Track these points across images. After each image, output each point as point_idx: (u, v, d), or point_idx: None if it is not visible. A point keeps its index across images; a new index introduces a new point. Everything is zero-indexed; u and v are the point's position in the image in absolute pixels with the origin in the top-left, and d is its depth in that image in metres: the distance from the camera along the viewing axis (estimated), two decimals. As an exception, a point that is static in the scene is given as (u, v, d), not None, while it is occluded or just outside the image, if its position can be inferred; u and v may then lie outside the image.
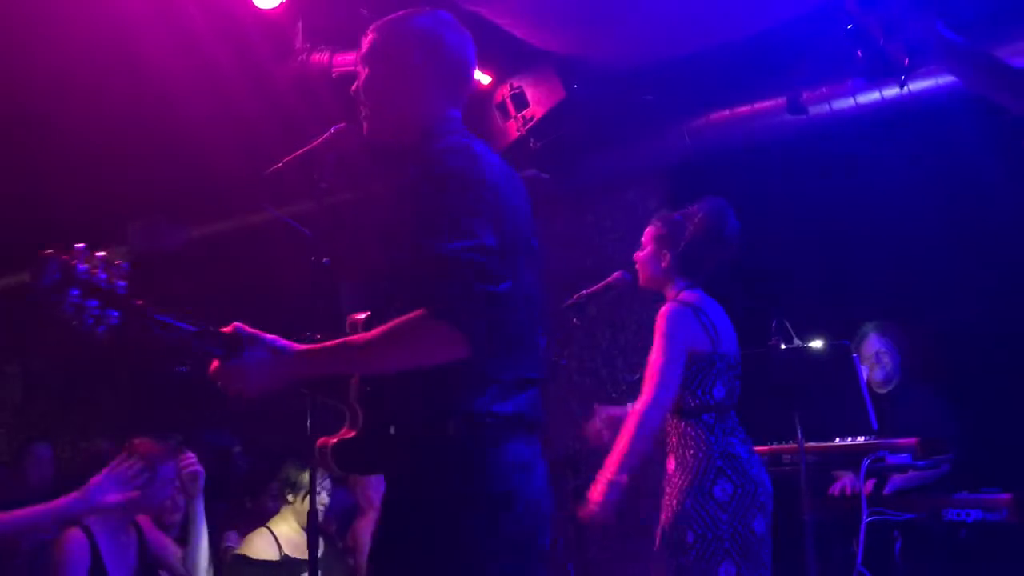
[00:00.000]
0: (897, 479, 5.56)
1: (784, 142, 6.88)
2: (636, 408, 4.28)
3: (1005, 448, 5.70)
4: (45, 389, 10.17)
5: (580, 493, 4.69)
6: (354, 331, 2.76)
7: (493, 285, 2.46)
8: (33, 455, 6.53)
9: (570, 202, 8.01)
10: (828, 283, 6.71)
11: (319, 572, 5.60)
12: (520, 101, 6.69)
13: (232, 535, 6.65)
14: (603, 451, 4.41)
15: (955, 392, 6.02)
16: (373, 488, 6.31)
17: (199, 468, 5.10)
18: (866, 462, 5.08)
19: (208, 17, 5.91)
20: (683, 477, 4.27)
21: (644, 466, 4.50)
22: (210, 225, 8.57)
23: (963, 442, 5.62)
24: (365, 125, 2.96)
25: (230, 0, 5.85)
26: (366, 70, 2.94)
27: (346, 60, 6.08)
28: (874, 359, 6.07)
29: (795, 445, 4.96)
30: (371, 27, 2.99)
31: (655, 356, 4.34)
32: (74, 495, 4.47)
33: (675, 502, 4.27)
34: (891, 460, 5.15)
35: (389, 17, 2.97)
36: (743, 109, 6.98)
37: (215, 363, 2.63)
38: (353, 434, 2.70)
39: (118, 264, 2.47)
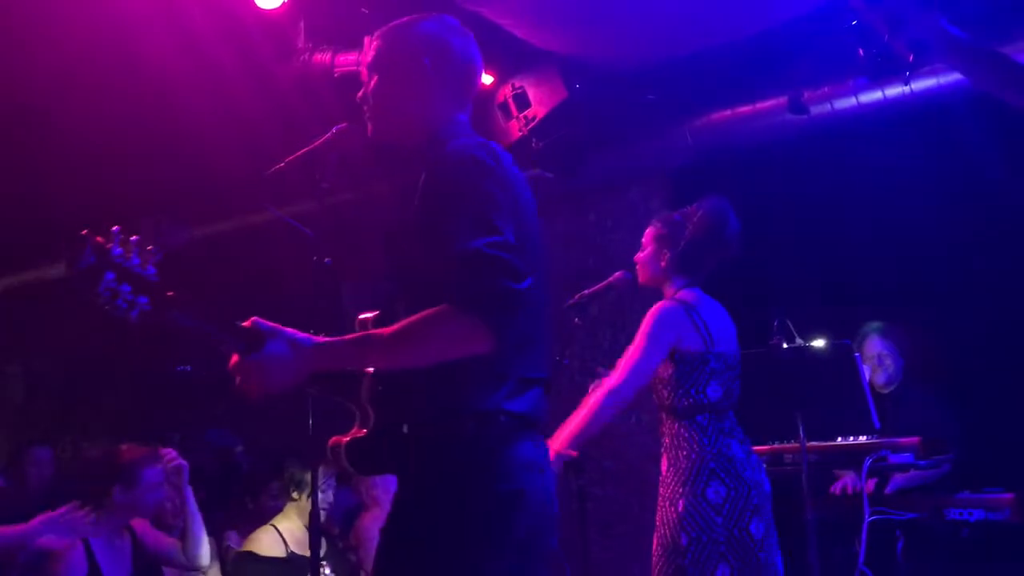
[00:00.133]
0: (899, 478, 5.56)
1: (786, 142, 6.88)
2: (598, 392, 4.28)
3: (1008, 447, 5.70)
4: (47, 389, 10.17)
5: (584, 493, 4.69)
6: (363, 330, 2.75)
7: (517, 282, 2.48)
8: (32, 457, 6.54)
9: (572, 202, 8.01)
10: (830, 282, 6.70)
11: (328, 570, 5.63)
12: (522, 101, 6.69)
13: (232, 535, 6.65)
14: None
15: (958, 391, 6.02)
16: (378, 486, 6.32)
17: (181, 461, 5.12)
18: (868, 461, 5.07)
19: (209, 17, 5.92)
20: (676, 479, 4.26)
21: (646, 466, 4.50)
22: (212, 225, 8.57)
23: (965, 442, 5.62)
24: (370, 127, 2.97)
25: (231, 0, 5.86)
26: (373, 76, 2.95)
27: (348, 60, 6.08)
28: (876, 361, 6.06)
29: (797, 444, 4.96)
30: (376, 34, 2.99)
31: (632, 348, 4.35)
32: (15, 529, 4.54)
33: (668, 504, 4.26)
34: (893, 459, 5.15)
35: (394, 23, 2.98)
36: (745, 109, 6.98)
37: (234, 358, 2.60)
38: (364, 433, 2.70)
39: (150, 249, 2.47)
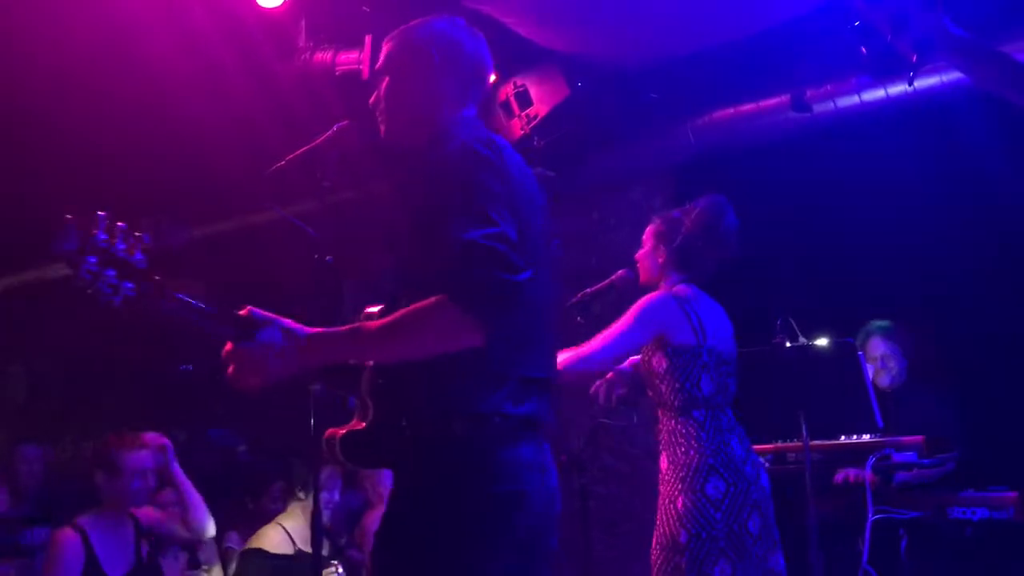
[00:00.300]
0: (902, 477, 5.55)
1: (789, 140, 6.87)
2: (568, 354, 4.28)
3: (1011, 446, 5.69)
4: (48, 389, 10.17)
5: (586, 491, 4.69)
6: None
7: (512, 274, 2.45)
8: (22, 456, 6.57)
9: (574, 200, 8.00)
10: (833, 281, 6.69)
11: (341, 568, 5.63)
12: (524, 99, 6.68)
13: (233, 535, 6.66)
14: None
15: (961, 389, 6.00)
16: (385, 484, 6.31)
17: (163, 440, 5.15)
18: (872, 460, 5.06)
19: (211, 16, 5.91)
20: (675, 475, 4.25)
21: (648, 464, 4.50)
22: (213, 224, 8.57)
23: (969, 440, 5.61)
24: (383, 129, 2.97)
25: (233, -1, 5.86)
26: (384, 78, 2.96)
27: (349, 59, 6.08)
28: (880, 364, 6.04)
29: (800, 443, 4.95)
30: (387, 37, 3.00)
31: (615, 324, 4.35)
32: None
33: (668, 501, 4.25)
34: (897, 458, 5.14)
35: (404, 26, 2.99)
36: (748, 107, 6.98)
37: (228, 345, 2.61)
38: (362, 426, 2.69)
39: (139, 236, 2.47)
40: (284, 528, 5.82)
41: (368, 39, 5.94)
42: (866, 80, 6.37)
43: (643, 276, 4.67)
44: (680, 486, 4.20)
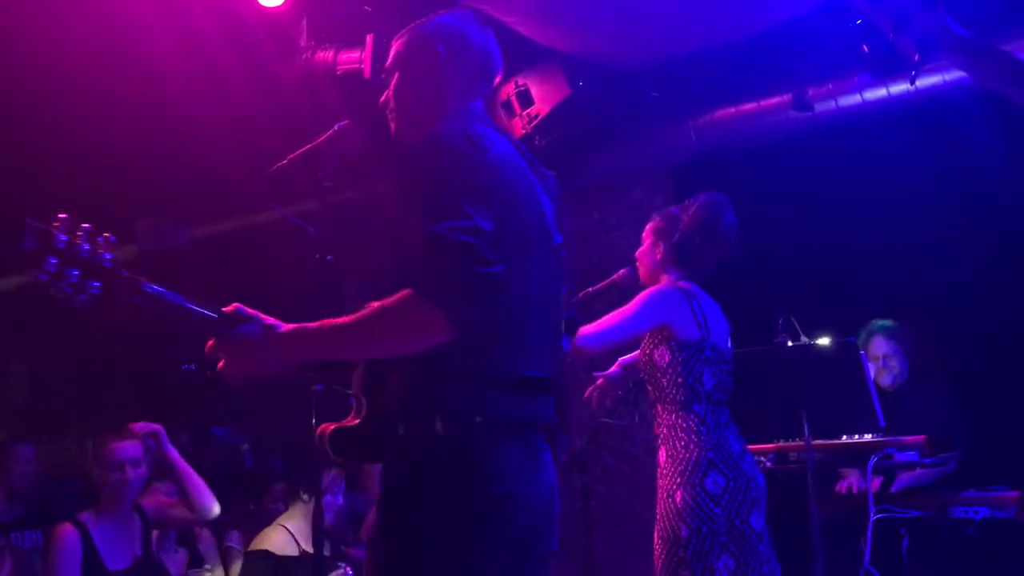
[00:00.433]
0: (904, 477, 5.54)
1: (790, 139, 6.87)
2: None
3: (1013, 445, 5.68)
4: (51, 389, 10.16)
5: (587, 491, 4.68)
6: None
7: (483, 267, 2.39)
8: (16, 455, 6.57)
9: (576, 200, 8.00)
10: (835, 280, 6.69)
11: (351, 570, 5.63)
12: (525, 99, 6.68)
13: (234, 535, 6.65)
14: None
15: (963, 389, 6.00)
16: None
17: (153, 427, 5.14)
18: (873, 459, 5.05)
19: (212, 15, 5.91)
20: (674, 470, 4.24)
21: (649, 463, 4.49)
22: (214, 224, 8.56)
23: (971, 439, 5.61)
24: (393, 127, 2.95)
25: (234, -2, 5.86)
26: (393, 75, 2.94)
27: (350, 58, 6.07)
28: (881, 363, 6.04)
29: (802, 443, 4.95)
30: (397, 36, 2.98)
31: (621, 310, 4.35)
32: None
33: (666, 495, 4.24)
34: (899, 458, 5.13)
35: (414, 23, 2.98)
36: (749, 106, 6.98)
37: (210, 342, 2.62)
38: (356, 422, 2.66)
39: (106, 237, 2.47)
40: (287, 529, 5.81)
41: (370, 38, 5.93)
42: (868, 79, 6.36)
43: (643, 273, 4.67)
44: (679, 480, 4.19)
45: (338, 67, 6.11)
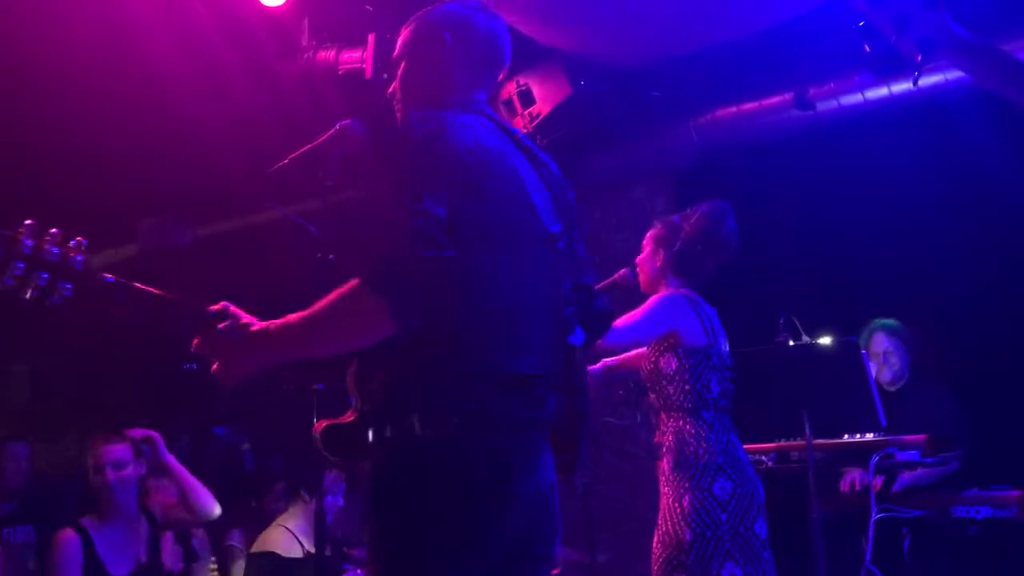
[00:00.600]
0: (906, 477, 5.54)
1: (792, 138, 6.86)
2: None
3: (1015, 445, 5.68)
4: (51, 388, 10.16)
5: (588, 491, 4.67)
6: None
7: (431, 251, 2.30)
8: (10, 453, 6.60)
9: (577, 199, 7.99)
10: (836, 279, 6.69)
11: (360, 570, 5.63)
12: (526, 98, 6.68)
13: (236, 534, 6.66)
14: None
15: (964, 389, 6.00)
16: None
17: (149, 433, 5.16)
18: (875, 459, 5.05)
19: (214, 15, 5.91)
20: (682, 475, 4.23)
21: (651, 464, 4.49)
22: (215, 224, 8.57)
23: (973, 439, 5.60)
24: (399, 117, 2.90)
25: (235, -2, 5.86)
26: (400, 65, 2.90)
27: (352, 57, 6.07)
28: (882, 359, 6.04)
29: (803, 442, 4.95)
30: (405, 24, 2.93)
31: (628, 315, 4.32)
32: None
33: (672, 501, 4.24)
34: (900, 457, 5.13)
35: (420, 11, 2.93)
36: (750, 105, 6.97)
37: (195, 340, 2.61)
38: (351, 419, 2.60)
39: (79, 241, 2.47)
40: (289, 529, 5.81)
41: (371, 38, 5.93)
42: (869, 78, 6.36)
43: (642, 280, 4.66)
44: (687, 484, 4.19)
45: (340, 67, 6.11)
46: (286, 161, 3.42)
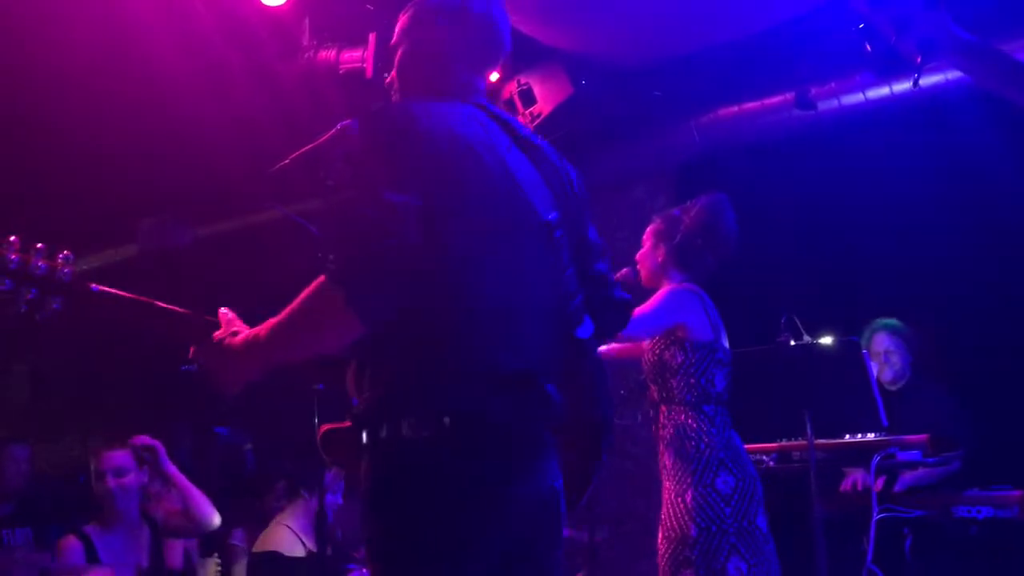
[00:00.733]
0: (907, 477, 5.54)
1: (793, 138, 6.86)
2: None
3: (1016, 445, 5.68)
4: (52, 388, 10.16)
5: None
6: None
7: (393, 240, 2.23)
8: (10, 455, 6.61)
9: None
10: (838, 279, 6.69)
11: (366, 570, 5.63)
12: (528, 97, 6.67)
13: (238, 533, 6.66)
14: None
15: (966, 388, 6.00)
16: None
17: (151, 442, 5.18)
18: (876, 459, 5.05)
19: (214, 15, 5.90)
20: (684, 470, 4.24)
21: (652, 463, 4.48)
22: (216, 224, 8.56)
23: (974, 439, 5.60)
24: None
25: (236, -3, 5.86)
26: (397, 54, 2.83)
27: (353, 57, 6.06)
28: (883, 358, 6.04)
29: (805, 442, 4.94)
30: (402, 11, 2.87)
31: (641, 308, 4.28)
32: None
33: (676, 496, 4.24)
34: (901, 457, 5.12)
35: None
36: (752, 105, 6.97)
37: (192, 348, 2.59)
38: (350, 425, 2.52)
39: (66, 255, 2.48)
40: (291, 528, 5.81)
41: (372, 37, 5.92)
42: (870, 77, 6.36)
43: (644, 276, 4.65)
44: (690, 479, 4.20)
45: (340, 66, 6.10)
46: (287, 161, 3.41)
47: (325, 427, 2.62)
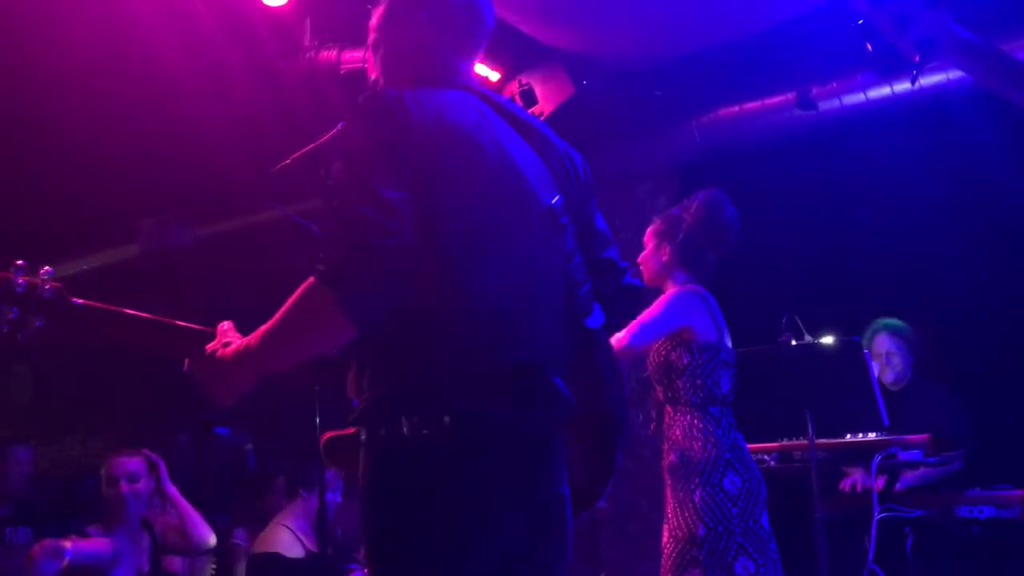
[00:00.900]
0: (909, 476, 5.54)
1: (794, 138, 6.86)
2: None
3: (1018, 444, 5.68)
4: (54, 389, 10.17)
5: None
6: None
7: (385, 237, 2.16)
8: (13, 456, 6.62)
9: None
10: (839, 278, 6.68)
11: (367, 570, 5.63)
12: (529, 97, 6.66)
13: (239, 532, 6.66)
14: None
15: (967, 388, 5.99)
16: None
17: (156, 459, 5.29)
18: (877, 458, 5.05)
19: (215, 15, 5.90)
20: (691, 470, 4.24)
21: (655, 463, 4.48)
22: (217, 224, 8.56)
23: (975, 438, 5.60)
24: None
25: (238, -3, 5.85)
26: (379, 50, 2.81)
27: (354, 57, 6.06)
28: (884, 360, 6.03)
29: (806, 442, 4.94)
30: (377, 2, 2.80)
31: (648, 312, 4.31)
32: None
33: (682, 495, 4.25)
34: (902, 456, 5.13)
35: None
36: (753, 104, 6.97)
37: (186, 360, 2.54)
38: (351, 431, 2.46)
39: (47, 270, 2.44)
40: (290, 529, 5.80)
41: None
42: (872, 77, 6.35)
43: (647, 277, 4.63)
44: (697, 480, 4.20)
45: (342, 66, 6.10)
46: (288, 161, 3.41)
47: (328, 434, 2.57)
